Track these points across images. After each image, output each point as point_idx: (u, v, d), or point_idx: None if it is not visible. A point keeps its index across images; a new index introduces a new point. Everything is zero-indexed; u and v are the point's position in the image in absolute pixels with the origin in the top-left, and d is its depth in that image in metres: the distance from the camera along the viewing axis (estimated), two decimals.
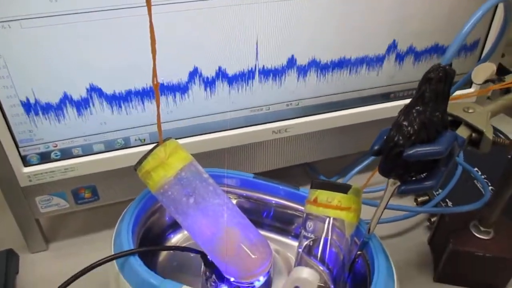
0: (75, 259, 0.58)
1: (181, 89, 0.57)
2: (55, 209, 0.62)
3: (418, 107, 0.39)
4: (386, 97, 0.69)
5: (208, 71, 0.57)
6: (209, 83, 0.58)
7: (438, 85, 0.38)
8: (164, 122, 0.58)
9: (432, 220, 0.67)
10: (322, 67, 0.62)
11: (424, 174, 0.42)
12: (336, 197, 0.45)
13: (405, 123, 0.39)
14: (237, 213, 0.47)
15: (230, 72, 0.58)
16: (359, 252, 0.47)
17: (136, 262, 0.44)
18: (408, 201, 0.73)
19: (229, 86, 0.59)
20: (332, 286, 0.46)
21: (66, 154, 0.57)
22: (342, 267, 0.47)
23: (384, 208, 0.45)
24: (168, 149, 0.45)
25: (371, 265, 0.46)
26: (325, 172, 0.77)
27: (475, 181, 0.70)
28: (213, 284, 0.48)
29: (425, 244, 0.67)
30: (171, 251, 0.53)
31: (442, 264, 0.59)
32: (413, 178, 0.42)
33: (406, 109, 0.39)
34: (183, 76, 0.56)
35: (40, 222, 0.63)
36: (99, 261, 0.44)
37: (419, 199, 0.70)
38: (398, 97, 0.70)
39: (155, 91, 0.41)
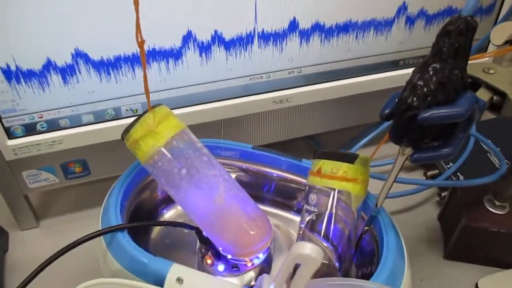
0: (67, 236, 0.53)
1: (174, 54, 0.52)
2: (44, 185, 0.58)
3: (435, 65, 0.34)
4: (395, 64, 0.64)
5: (203, 35, 0.53)
6: (204, 48, 0.53)
7: (458, 38, 0.33)
8: (156, 91, 0.54)
9: (443, 195, 0.63)
10: (326, 31, 0.57)
11: (438, 142, 0.37)
12: (342, 167, 0.41)
13: (420, 82, 0.34)
14: (234, 186, 0.43)
15: (227, 36, 0.54)
16: (366, 228, 0.43)
17: (124, 238, 0.40)
18: (417, 175, 0.68)
19: (226, 51, 0.54)
20: (337, 264, 0.42)
21: (53, 125, 0.53)
22: (347, 243, 0.43)
23: (395, 179, 0.40)
24: (158, 116, 0.41)
25: (379, 242, 0.42)
26: (329, 145, 0.73)
27: (488, 154, 0.65)
28: (209, 262, 0.44)
29: (435, 220, 0.63)
30: (164, 228, 0.49)
31: (454, 241, 0.55)
32: (428, 145, 0.37)
33: (422, 67, 0.35)
34: (176, 40, 0.52)
35: (30, 198, 0.60)
36: (84, 237, 0.40)
37: (429, 173, 0.65)
38: (407, 65, 0.65)
39: (140, 50, 0.37)
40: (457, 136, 0.36)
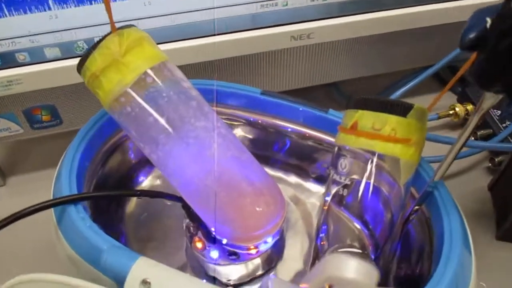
0: (36, 195, 0.42)
1: None
2: (5, 135, 0.46)
3: None
4: None
5: None
6: None
7: None
8: (138, 19, 0.40)
9: (497, 160, 0.49)
10: None
11: None
12: (389, 122, 0.28)
13: None
14: (234, 144, 0.30)
15: None
16: (416, 207, 0.30)
17: (76, 214, 0.27)
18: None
19: None
20: (373, 256, 0.29)
21: (8, 61, 0.40)
22: (389, 227, 0.30)
23: (466, 142, 0.27)
24: (126, 41, 0.28)
25: (434, 228, 0.29)
26: (356, 95, 0.59)
27: None
28: (199, 246, 0.32)
29: (484, 191, 0.49)
30: (143, 199, 0.36)
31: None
32: None
33: None
34: None
35: None
36: (21, 211, 0.28)
37: (479, 133, 0.51)
38: None
39: None
40: None
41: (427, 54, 0.56)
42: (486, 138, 0.51)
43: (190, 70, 0.45)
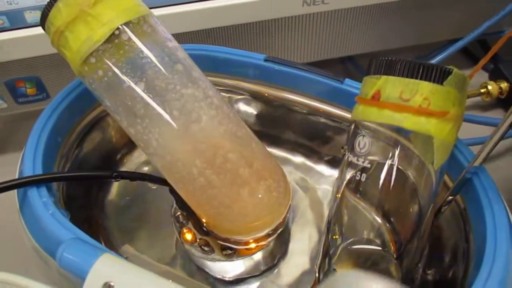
0: None
1: None
2: None
3: None
4: None
5: None
6: None
7: None
8: None
9: None
10: None
11: None
12: (421, 90, 0.22)
13: None
14: (229, 117, 0.25)
15: None
16: (451, 197, 0.24)
17: (38, 199, 0.22)
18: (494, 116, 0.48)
19: None
20: (395, 255, 0.24)
21: None
22: (416, 221, 0.24)
23: None
24: None
25: (473, 221, 0.23)
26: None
27: None
28: (188, 237, 0.27)
29: None
30: (127, 182, 0.30)
31: None
32: None
33: None
34: None
35: None
36: None
37: None
38: None
39: None
40: None
41: (454, 26, 0.49)
42: None
43: (189, 39, 0.39)
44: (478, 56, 0.53)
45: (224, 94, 0.33)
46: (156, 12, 0.35)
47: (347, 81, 0.28)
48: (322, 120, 0.31)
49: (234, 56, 0.30)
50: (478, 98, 0.48)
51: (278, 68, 0.30)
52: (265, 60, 0.30)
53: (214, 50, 0.30)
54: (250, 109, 0.33)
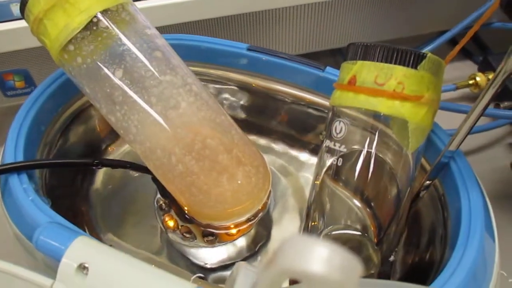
0: None
1: None
2: None
3: None
4: None
5: None
6: None
7: None
8: None
9: None
10: None
11: None
12: (395, 74, 0.22)
13: None
14: (208, 104, 0.25)
15: None
16: (428, 182, 0.25)
17: (19, 185, 0.23)
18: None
19: None
20: (376, 239, 0.24)
21: None
22: (394, 205, 0.25)
23: (487, 106, 0.21)
24: None
25: (451, 206, 0.24)
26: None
27: None
28: (171, 224, 0.27)
29: (507, 169, 0.43)
30: (112, 171, 0.31)
31: None
32: None
33: None
34: None
35: None
36: None
37: (503, 106, 0.45)
38: None
39: None
40: None
41: (445, 17, 0.49)
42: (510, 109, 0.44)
43: (175, 32, 0.39)
44: (468, 47, 0.53)
45: (212, 85, 0.33)
46: (141, 4, 0.35)
47: (328, 69, 0.29)
48: (306, 109, 0.31)
49: (217, 45, 0.30)
50: (467, 90, 0.48)
51: (260, 57, 0.30)
52: (248, 49, 0.30)
53: (198, 39, 0.31)
54: (237, 99, 0.33)
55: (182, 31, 0.39)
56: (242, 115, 0.34)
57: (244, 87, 0.33)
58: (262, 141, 0.33)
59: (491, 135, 0.45)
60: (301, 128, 0.32)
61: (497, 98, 0.47)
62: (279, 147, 0.33)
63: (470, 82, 0.47)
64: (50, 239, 0.19)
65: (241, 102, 0.34)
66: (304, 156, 0.33)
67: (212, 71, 0.32)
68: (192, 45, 0.30)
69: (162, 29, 0.37)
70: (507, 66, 0.19)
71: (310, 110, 0.31)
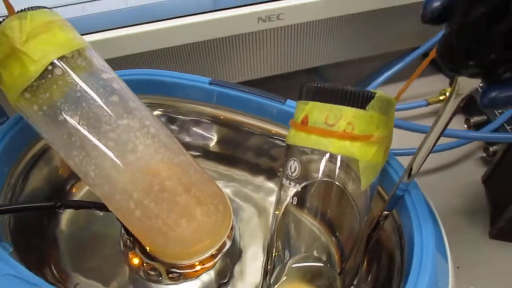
0: None
1: None
2: None
3: None
4: None
5: None
6: None
7: None
8: (83, 2, 0.35)
9: (491, 150, 0.44)
10: None
11: None
12: (344, 115, 0.22)
13: None
14: (165, 145, 0.25)
15: None
16: (386, 213, 0.25)
17: None
18: (456, 123, 0.49)
19: None
20: (339, 270, 0.25)
21: None
22: (355, 233, 0.25)
23: (440, 135, 0.22)
24: (29, 25, 0.23)
25: (406, 236, 0.24)
26: (338, 81, 0.53)
27: None
28: (136, 262, 0.27)
29: (478, 184, 0.44)
30: (77, 212, 0.31)
31: (507, 215, 0.37)
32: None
33: None
34: None
35: None
36: None
37: (473, 120, 0.46)
38: None
39: None
40: None
41: (416, 35, 0.50)
42: (480, 125, 0.45)
43: (142, 59, 0.40)
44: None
45: (183, 117, 0.33)
46: (107, 35, 0.35)
47: (289, 101, 0.29)
48: (270, 139, 0.32)
49: (180, 80, 0.31)
50: (439, 105, 0.49)
51: (222, 90, 0.30)
52: (210, 83, 0.30)
53: (160, 74, 0.31)
54: (204, 132, 0.34)
55: (151, 61, 0.40)
56: (209, 146, 0.34)
57: (206, 119, 0.33)
58: (229, 170, 0.34)
59: (462, 150, 0.46)
60: (269, 157, 0.33)
61: (467, 113, 0.48)
62: (245, 176, 0.34)
63: (441, 97, 0.48)
64: None
65: (209, 134, 0.34)
66: (270, 184, 0.33)
67: (180, 104, 0.33)
68: (156, 80, 0.31)
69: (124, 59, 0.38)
70: (459, 90, 0.19)
71: (273, 140, 0.32)
